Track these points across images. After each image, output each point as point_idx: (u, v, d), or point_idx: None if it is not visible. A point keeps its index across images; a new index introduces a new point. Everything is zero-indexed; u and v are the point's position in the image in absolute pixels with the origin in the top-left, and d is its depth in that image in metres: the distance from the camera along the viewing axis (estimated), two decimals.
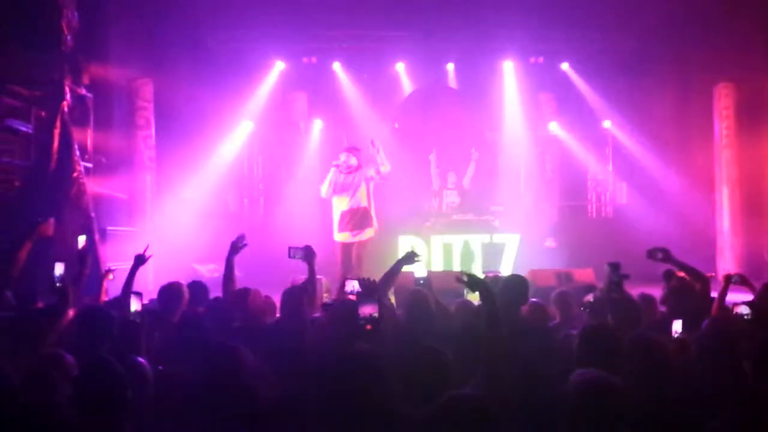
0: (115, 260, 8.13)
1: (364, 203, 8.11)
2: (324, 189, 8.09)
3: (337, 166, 8.02)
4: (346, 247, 8.12)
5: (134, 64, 9.83)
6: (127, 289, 4.71)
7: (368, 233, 8.19)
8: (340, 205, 8.12)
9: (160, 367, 3.13)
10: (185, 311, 4.39)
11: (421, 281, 4.55)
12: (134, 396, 2.72)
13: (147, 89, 10.13)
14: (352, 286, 4.15)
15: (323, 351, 3.51)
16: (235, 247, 4.69)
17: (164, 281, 4.77)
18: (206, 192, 10.94)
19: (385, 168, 8.10)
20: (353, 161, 8.07)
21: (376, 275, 4.50)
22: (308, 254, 4.67)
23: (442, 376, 3.02)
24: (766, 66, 10.32)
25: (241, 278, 4.99)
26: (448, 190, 11.35)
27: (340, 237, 8.15)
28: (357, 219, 8.09)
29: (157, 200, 10.20)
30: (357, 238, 8.12)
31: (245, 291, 4.58)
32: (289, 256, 4.77)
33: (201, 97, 10.86)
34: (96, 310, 3.93)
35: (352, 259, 8.03)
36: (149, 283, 7.80)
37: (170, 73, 10.21)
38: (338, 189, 8.06)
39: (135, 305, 3.72)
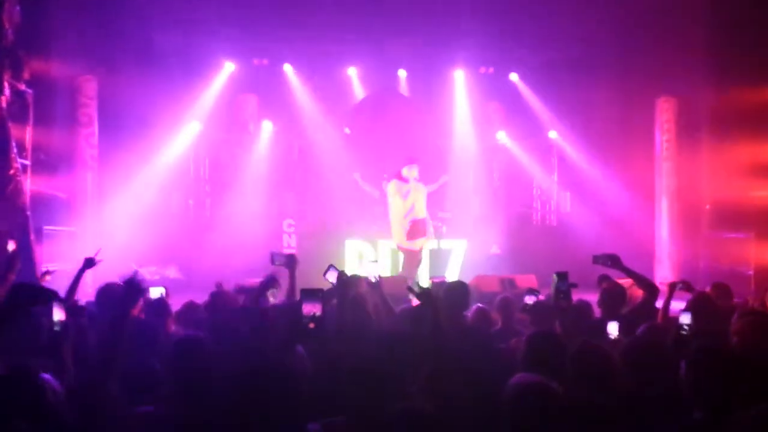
0: (53, 261, 7.89)
1: (422, 213, 8.70)
2: (396, 198, 8.61)
3: (403, 179, 8.56)
4: (407, 253, 8.72)
5: (78, 61, 9.58)
6: (72, 292, 4.58)
7: (423, 242, 8.81)
8: (405, 214, 8.65)
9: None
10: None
11: (373, 280, 4.53)
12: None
13: (91, 86, 9.88)
14: (334, 276, 4.17)
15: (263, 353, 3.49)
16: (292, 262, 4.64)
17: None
18: (150, 192, 10.72)
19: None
20: (415, 173, 8.53)
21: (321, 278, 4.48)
22: (290, 262, 4.70)
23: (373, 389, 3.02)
24: (705, 81, 10.69)
25: (184, 281, 4.91)
26: (396, 199, 11.41)
27: (402, 243, 8.74)
28: (418, 229, 8.68)
29: (98, 200, 9.95)
30: (414, 246, 8.69)
31: (220, 292, 4.53)
32: (272, 262, 4.76)
33: (147, 96, 10.63)
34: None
35: (409, 262, 8.68)
36: (88, 286, 7.57)
37: (116, 70, 9.98)
38: (402, 197, 8.59)
39: (58, 315, 3.36)
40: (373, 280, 4.48)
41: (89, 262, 4.84)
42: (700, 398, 2.88)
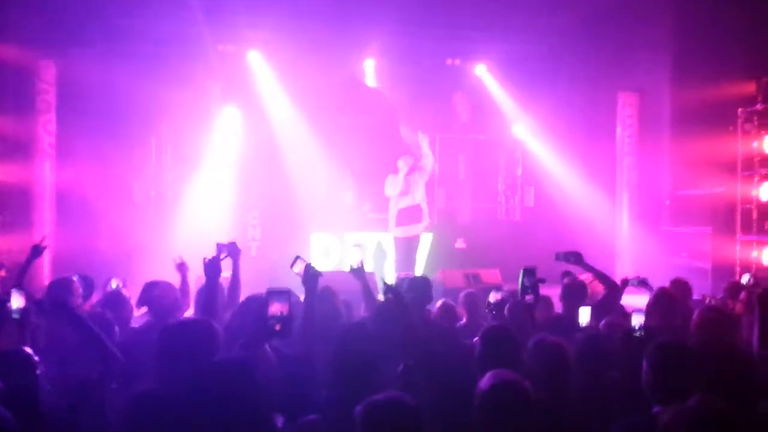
0: (9, 251, 7.70)
1: (417, 200, 8.89)
2: (394, 190, 8.86)
3: (407, 173, 8.80)
4: (402, 242, 8.87)
5: (36, 45, 9.30)
6: (20, 281, 4.48)
7: (421, 227, 8.97)
8: (399, 203, 8.87)
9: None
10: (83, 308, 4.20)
11: (356, 265, 4.46)
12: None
13: (49, 71, 9.62)
14: (300, 267, 4.00)
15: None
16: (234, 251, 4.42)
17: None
18: (110, 182, 10.49)
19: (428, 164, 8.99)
20: (411, 162, 8.82)
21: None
22: (232, 250, 4.50)
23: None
24: (667, 77, 10.86)
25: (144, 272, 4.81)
26: (345, 192, 11.49)
27: (397, 232, 8.90)
28: (411, 215, 8.85)
29: (56, 189, 9.70)
30: (410, 233, 8.86)
31: (153, 284, 4.40)
32: (217, 252, 4.60)
33: (108, 83, 10.38)
34: None
35: (409, 252, 8.85)
36: (46, 278, 7.41)
37: (76, 55, 9.71)
38: (402, 190, 8.83)
39: (17, 302, 3.42)
40: (356, 266, 4.42)
41: (36, 250, 4.76)
42: (659, 394, 2.93)
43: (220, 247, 4.35)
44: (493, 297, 4.63)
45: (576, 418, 3.07)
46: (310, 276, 3.81)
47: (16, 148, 9.25)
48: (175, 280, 4.81)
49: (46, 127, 9.59)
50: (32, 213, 9.31)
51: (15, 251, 7.27)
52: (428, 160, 8.98)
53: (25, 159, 9.41)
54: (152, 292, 4.29)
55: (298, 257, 4.02)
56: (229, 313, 4.20)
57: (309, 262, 3.93)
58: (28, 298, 3.59)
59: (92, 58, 9.90)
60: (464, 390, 2.87)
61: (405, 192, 8.81)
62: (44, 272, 8.29)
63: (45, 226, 9.02)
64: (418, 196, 8.88)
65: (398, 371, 3.21)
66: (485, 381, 2.66)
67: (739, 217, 9.93)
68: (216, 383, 2.49)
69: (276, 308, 3.00)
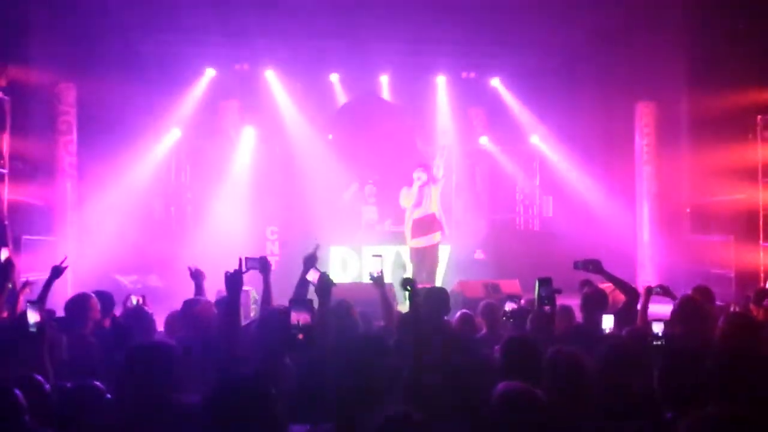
0: (33, 271, 7.78)
1: (431, 210, 9.02)
2: (408, 202, 9.03)
3: (422, 185, 8.92)
4: (419, 252, 8.97)
5: (57, 67, 9.46)
6: (42, 300, 4.52)
7: (437, 237, 9.08)
8: (413, 214, 9.02)
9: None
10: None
11: (376, 275, 4.46)
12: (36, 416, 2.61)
13: (70, 93, 9.79)
14: (314, 276, 4.00)
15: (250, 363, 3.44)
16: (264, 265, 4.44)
17: None
18: (131, 200, 10.61)
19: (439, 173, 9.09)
20: (425, 176, 8.95)
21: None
22: (264, 265, 4.53)
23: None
24: (685, 85, 10.79)
25: (164, 289, 4.84)
26: (367, 206, 11.49)
27: (413, 243, 9.03)
28: (426, 225, 8.95)
29: (78, 208, 9.83)
30: (427, 243, 8.98)
31: (194, 301, 4.42)
32: (246, 267, 4.60)
33: (128, 103, 10.54)
34: None
35: (425, 262, 8.91)
36: (68, 295, 7.47)
37: (96, 77, 9.86)
38: (416, 201, 8.97)
39: (33, 317, 3.47)
40: (376, 274, 4.41)
41: (56, 271, 4.79)
42: (669, 399, 2.91)
43: (249, 262, 4.37)
44: (509, 306, 4.60)
45: (595, 427, 3.03)
46: (324, 285, 3.82)
47: (39, 169, 9.39)
48: (191, 289, 4.85)
49: (67, 147, 9.75)
50: (54, 232, 9.43)
51: (38, 270, 7.34)
52: (439, 171, 9.04)
53: (47, 179, 9.55)
54: (192, 309, 4.31)
55: (313, 266, 4.01)
56: (255, 324, 4.22)
57: (324, 271, 3.92)
58: (48, 313, 3.63)
59: (112, 80, 10.05)
60: (483, 401, 2.85)
61: (418, 203, 8.92)
62: (67, 290, 8.37)
63: (67, 244, 9.12)
64: (432, 206, 8.99)
65: (412, 380, 3.19)
66: (496, 392, 2.65)
67: (761, 224, 9.78)
68: (228, 399, 2.49)
69: (295, 317, 3.00)
